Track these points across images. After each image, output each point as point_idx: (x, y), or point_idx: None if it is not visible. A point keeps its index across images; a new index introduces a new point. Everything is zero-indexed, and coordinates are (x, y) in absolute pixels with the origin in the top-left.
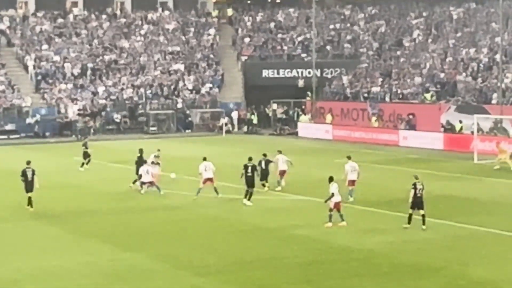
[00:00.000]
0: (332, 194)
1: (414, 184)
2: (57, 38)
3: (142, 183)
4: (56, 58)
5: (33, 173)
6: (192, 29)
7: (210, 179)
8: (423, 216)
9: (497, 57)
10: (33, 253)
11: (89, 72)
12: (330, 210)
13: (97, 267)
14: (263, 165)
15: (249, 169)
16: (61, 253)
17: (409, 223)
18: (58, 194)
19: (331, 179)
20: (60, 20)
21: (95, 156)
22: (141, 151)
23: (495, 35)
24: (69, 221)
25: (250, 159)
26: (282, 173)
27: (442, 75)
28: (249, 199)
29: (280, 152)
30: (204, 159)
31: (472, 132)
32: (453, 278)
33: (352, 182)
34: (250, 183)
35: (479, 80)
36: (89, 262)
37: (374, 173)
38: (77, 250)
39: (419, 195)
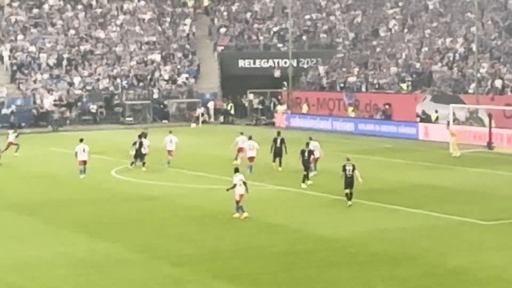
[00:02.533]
0: (234, 185)
1: (344, 166)
2: (33, 28)
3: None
4: (32, 48)
5: None
6: (168, 19)
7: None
8: (351, 193)
9: (473, 46)
10: (9, 243)
11: (65, 62)
12: (237, 202)
13: (74, 257)
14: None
15: (306, 154)
16: (37, 243)
17: (348, 200)
18: (34, 184)
19: (236, 170)
20: (35, 10)
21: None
22: (144, 135)
23: (471, 25)
24: (45, 212)
25: (307, 144)
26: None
27: (418, 65)
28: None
29: (311, 139)
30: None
31: (448, 122)
32: (429, 267)
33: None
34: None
35: (455, 70)
36: (65, 252)
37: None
38: (53, 240)
39: (349, 175)
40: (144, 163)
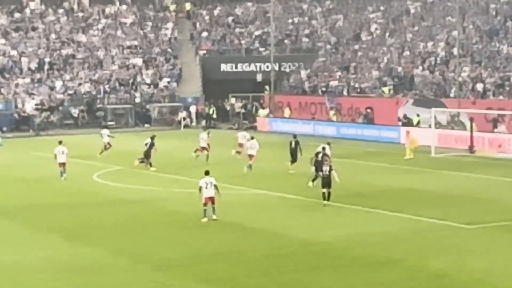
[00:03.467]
0: (200, 188)
1: (317, 153)
2: (14, 32)
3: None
4: (13, 52)
5: None
6: (150, 24)
7: (251, 156)
8: (329, 193)
9: (454, 51)
10: None
11: (46, 66)
12: (204, 204)
13: (56, 261)
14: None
15: (319, 156)
16: (19, 248)
17: (324, 199)
18: (16, 188)
19: (205, 173)
20: (17, 15)
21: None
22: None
23: (452, 29)
24: (26, 216)
25: (324, 148)
26: None
27: (399, 69)
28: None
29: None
30: (252, 138)
31: (430, 126)
32: (411, 271)
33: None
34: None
35: (437, 74)
36: (47, 257)
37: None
38: (35, 245)
39: (325, 175)
40: (150, 164)
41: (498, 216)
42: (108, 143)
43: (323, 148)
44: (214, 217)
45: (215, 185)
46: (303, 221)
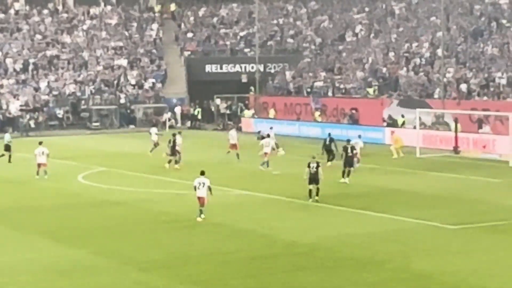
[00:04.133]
0: (194, 188)
1: (309, 163)
2: None
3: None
4: None
5: None
6: (135, 24)
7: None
8: (317, 189)
9: (439, 51)
10: None
11: (31, 67)
12: (200, 205)
13: (40, 263)
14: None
15: (349, 150)
16: (3, 249)
17: (310, 197)
18: (1, 190)
19: (201, 173)
20: (1, 15)
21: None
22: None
23: (437, 30)
24: (10, 217)
25: (348, 141)
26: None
27: (384, 69)
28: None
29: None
30: (268, 135)
31: (415, 127)
32: (396, 271)
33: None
34: (349, 163)
35: (421, 74)
36: (32, 259)
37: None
38: (19, 246)
39: (313, 172)
40: (176, 161)
41: (483, 217)
42: (157, 141)
43: (347, 141)
44: (199, 218)
45: (208, 186)
46: (289, 222)
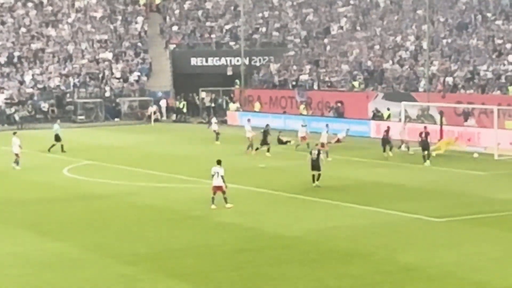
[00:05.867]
0: (212, 175)
1: (311, 151)
2: None
3: None
4: None
5: None
6: (120, 17)
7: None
8: (319, 175)
9: (424, 44)
10: None
11: (15, 60)
12: (213, 193)
13: (25, 257)
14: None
15: (423, 135)
16: None
17: (313, 181)
18: None
19: (217, 162)
20: None
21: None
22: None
23: (422, 23)
24: None
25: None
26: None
27: (369, 63)
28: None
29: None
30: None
31: (400, 120)
32: (381, 264)
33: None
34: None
35: (406, 67)
36: (17, 252)
37: (302, 161)
38: (4, 240)
39: (314, 158)
40: (268, 149)
41: (468, 210)
42: (218, 130)
43: (425, 127)
44: (227, 205)
45: (222, 176)
46: (273, 215)
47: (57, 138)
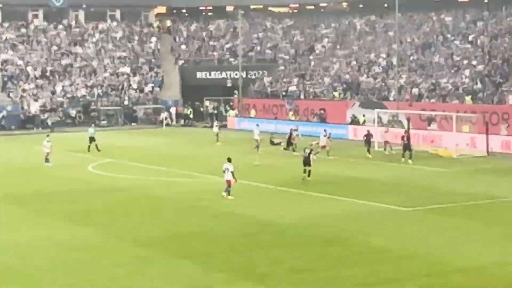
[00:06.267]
0: (223, 171)
1: (304, 149)
2: (21, 45)
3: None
4: (20, 62)
5: None
6: (137, 38)
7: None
8: (309, 171)
9: (394, 61)
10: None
11: (48, 74)
12: (228, 185)
13: (56, 240)
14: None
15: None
16: (24, 228)
17: (304, 173)
18: (22, 178)
19: (228, 160)
20: (23, 30)
21: (54, 145)
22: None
23: (392, 43)
24: (31, 202)
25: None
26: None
27: (347, 76)
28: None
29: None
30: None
31: (374, 124)
32: (357, 247)
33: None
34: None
35: (379, 80)
36: (48, 236)
37: (291, 159)
38: (38, 226)
39: (305, 156)
40: (293, 149)
41: (431, 201)
42: (258, 140)
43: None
44: (229, 197)
45: (231, 172)
46: (266, 205)
47: (92, 139)
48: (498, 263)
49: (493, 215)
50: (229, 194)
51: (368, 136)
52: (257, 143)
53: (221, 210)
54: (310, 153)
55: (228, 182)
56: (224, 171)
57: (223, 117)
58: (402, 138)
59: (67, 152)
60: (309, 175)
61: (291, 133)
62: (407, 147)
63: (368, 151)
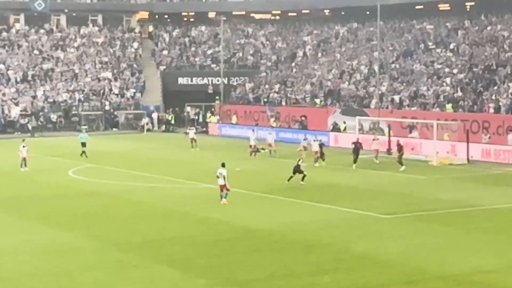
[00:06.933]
0: (217, 176)
1: (299, 159)
2: (2, 49)
3: None
4: (1, 66)
5: None
6: (118, 43)
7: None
8: (303, 176)
9: (375, 68)
10: None
11: (29, 78)
12: (220, 191)
13: (36, 244)
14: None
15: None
16: (4, 233)
17: (288, 180)
18: (1, 181)
19: (222, 165)
20: (4, 34)
21: (35, 150)
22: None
23: (374, 50)
24: (11, 206)
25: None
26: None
27: (329, 83)
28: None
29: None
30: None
31: (355, 131)
32: (338, 253)
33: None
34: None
35: (360, 87)
36: (29, 240)
37: (273, 165)
38: (17, 230)
39: (296, 165)
40: (324, 159)
41: (411, 208)
42: (253, 146)
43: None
44: (224, 200)
45: (224, 176)
46: (247, 211)
47: (83, 144)
48: (477, 270)
49: (473, 223)
50: (223, 198)
51: (357, 144)
52: (252, 149)
53: (201, 215)
54: (299, 161)
55: (221, 187)
56: (218, 176)
57: (204, 123)
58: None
59: (48, 157)
60: (303, 179)
61: (322, 144)
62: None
63: (355, 161)
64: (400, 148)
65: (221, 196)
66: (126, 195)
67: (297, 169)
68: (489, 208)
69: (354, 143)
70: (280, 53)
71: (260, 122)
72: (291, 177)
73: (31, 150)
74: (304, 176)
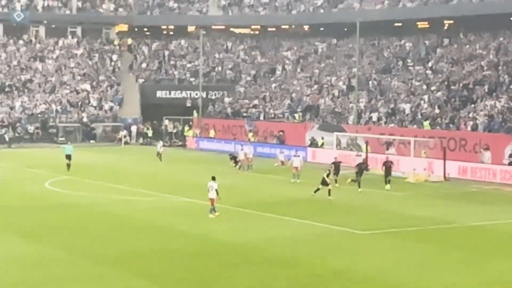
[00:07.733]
0: (208, 190)
1: (328, 171)
2: None
3: None
4: None
5: None
6: (97, 55)
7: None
8: (329, 190)
9: (354, 84)
10: None
11: (7, 89)
12: (211, 204)
13: (9, 256)
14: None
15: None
16: None
17: (315, 192)
18: None
19: (212, 178)
20: None
21: (12, 161)
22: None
23: (352, 66)
24: None
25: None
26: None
27: (307, 98)
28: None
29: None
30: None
31: (332, 147)
32: (314, 268)
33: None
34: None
35: (338, 103)
36: (3, 252)
37: (250, 180)
38: None
39: (322, 177)
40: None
41: (387, 224)
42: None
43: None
44: (210, 215)
45: (215, 189)
46: (224, 225)
47: (68, 157)
48: None
49: (450, 240)
50: (213, 211)
51: (337, 163)
52: (241, 163)
53: (178, 229)
54: (327, 175)
55: (212, 200)
56: (208, 190)
57: (182, 136)
58: (385, 163)
59: (24, 168)
60: (329, 194)
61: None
62: (388, 172)
63: (336, 181)
64: (389, 166)
65: (211, 210)
66: (102, 207)
67: (324, 182)
68: (465, 225)
69: (334, 163)
70: (259, 67)
71: (238, 137)
72: (318, 189)
73: (7, 161)
74: (330, 190)
